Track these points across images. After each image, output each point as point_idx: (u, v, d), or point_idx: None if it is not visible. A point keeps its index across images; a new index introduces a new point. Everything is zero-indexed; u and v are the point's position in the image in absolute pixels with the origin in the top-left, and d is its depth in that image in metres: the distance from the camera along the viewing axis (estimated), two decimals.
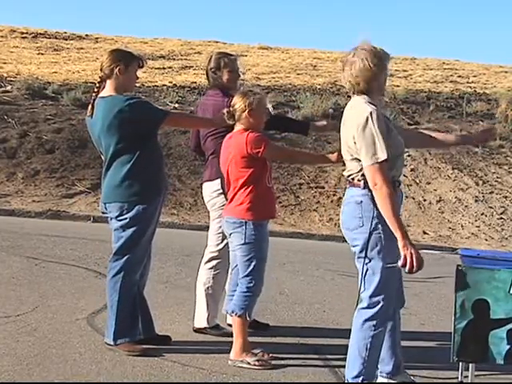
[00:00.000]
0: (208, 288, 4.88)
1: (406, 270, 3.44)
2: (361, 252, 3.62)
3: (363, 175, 3.58)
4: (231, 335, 4.40)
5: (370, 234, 3.55)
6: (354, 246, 3.68)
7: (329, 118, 3.87)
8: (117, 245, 4.44)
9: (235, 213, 4.33)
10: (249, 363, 4.27)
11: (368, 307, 3.63)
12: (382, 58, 3.62)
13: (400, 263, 3.46)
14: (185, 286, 6.15)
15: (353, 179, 3.67)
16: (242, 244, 4.32)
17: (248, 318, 4.36)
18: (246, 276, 4.34)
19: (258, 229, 4.31)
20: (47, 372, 3.97)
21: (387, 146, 3.48)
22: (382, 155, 3.47)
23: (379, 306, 3.63)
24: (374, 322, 3.63)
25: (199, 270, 4.98)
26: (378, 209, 3.52)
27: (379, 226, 3.54)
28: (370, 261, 3.59)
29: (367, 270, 3.62)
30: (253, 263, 4.32)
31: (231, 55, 5.04)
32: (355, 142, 3.55)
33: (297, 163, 11.86)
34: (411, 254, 3.44)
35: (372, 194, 3.53)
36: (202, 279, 4.93)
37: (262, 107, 4.39)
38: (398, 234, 3.45)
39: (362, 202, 3.59)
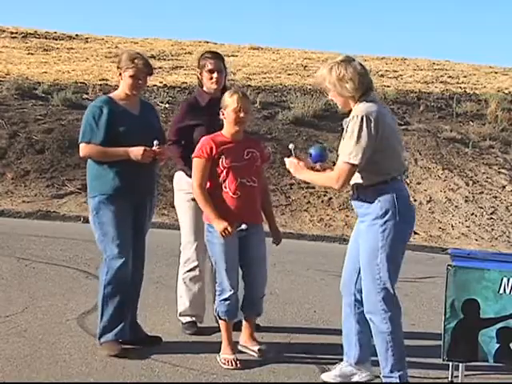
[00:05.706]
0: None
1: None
2: None
3: None
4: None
5: None
6: None
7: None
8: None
9: None
10: (220, 361, 4.32)
11: None
12: None
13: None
14: (175, 286, 6.12)
15: None
16: None
17: (225, 319, 4.37)
18: (216, 278, 4.48)
19: (210, 230, 4.37)
20: (37, 373, 3.96)
21: None
22: None
23: None
24: None
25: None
26: None
27: None
28: None
29: None
30: (215, 265, 4.43)
31: (214, 54, 5.01)
32: None
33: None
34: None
35: None
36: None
37: (233, 108, 4.30)
38: None
39: None
